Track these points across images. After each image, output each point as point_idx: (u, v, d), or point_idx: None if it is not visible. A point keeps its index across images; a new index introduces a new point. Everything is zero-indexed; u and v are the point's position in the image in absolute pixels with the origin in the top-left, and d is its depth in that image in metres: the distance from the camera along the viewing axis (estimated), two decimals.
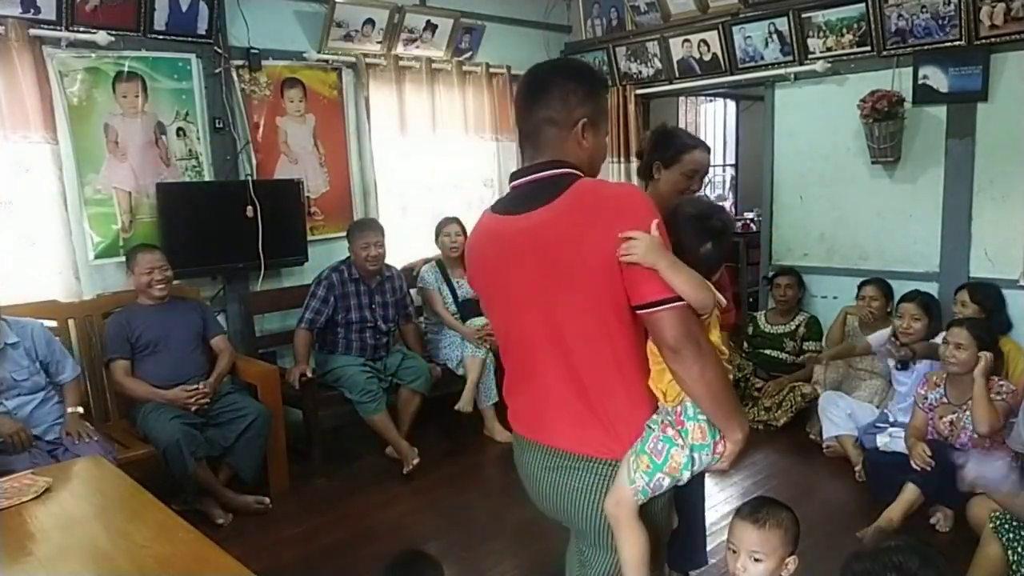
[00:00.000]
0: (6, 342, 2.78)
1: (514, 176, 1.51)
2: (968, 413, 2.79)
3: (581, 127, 1.46)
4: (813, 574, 2.18)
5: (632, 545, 1.42)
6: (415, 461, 3.51)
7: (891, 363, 3.46)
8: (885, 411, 3.45)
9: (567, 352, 1.42)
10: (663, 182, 2.13)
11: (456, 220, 4.16)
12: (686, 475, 1.42)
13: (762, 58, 4.25)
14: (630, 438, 1.42)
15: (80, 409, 2.95)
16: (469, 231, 4.36)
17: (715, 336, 1.42)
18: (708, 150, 2.17)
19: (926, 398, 3.01)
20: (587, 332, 1.39)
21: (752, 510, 1.68)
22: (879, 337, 3.47)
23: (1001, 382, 2.81)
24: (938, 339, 3.04)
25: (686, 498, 1.99)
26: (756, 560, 1.61)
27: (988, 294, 3.42)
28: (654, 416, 1.43)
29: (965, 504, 2.64)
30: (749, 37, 4.24)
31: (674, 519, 1.67)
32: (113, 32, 3.32)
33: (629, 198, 1.39)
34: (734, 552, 1.66)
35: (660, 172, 2.13)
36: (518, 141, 1.56)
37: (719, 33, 4.31)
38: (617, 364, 1.40)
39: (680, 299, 1.32)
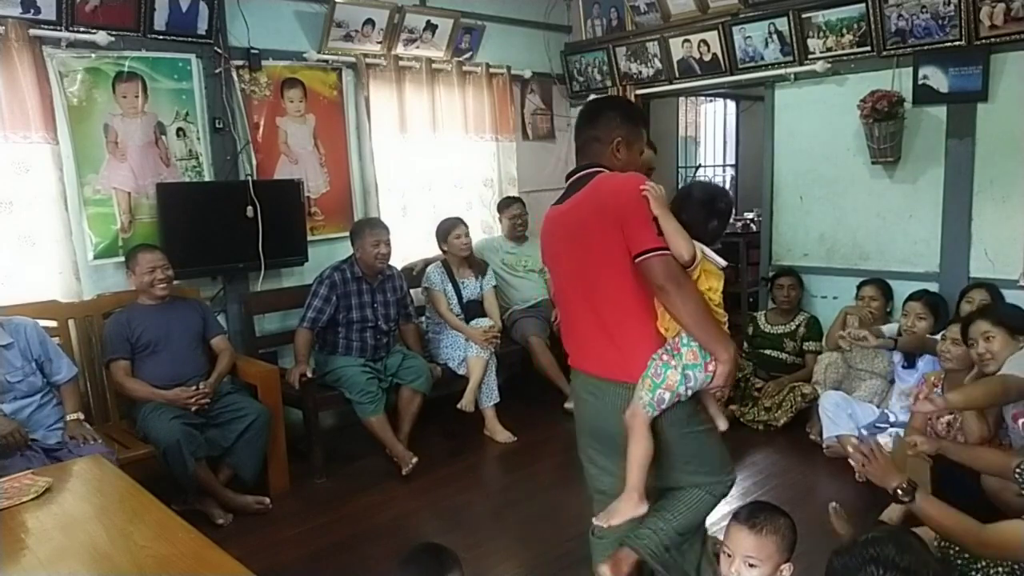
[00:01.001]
0: None
1: (568, 177, 2.01)
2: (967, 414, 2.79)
3: (616, 144, 1.96)
4: (814, 575, 2.18)
5: (639, 447, 1.80)
6: (414, 460, 3.51)
7: (897, 360, 3.46)
8: (885, 411, 3.45)
9: (595, 302, 1.88)
10: None
11: (461, 221, 4.16)
12: (682, 389, 1.80)
13: (762, 58, 4.25)
14: (643, 367, 1.82)
15: (80, 414, 2.93)
16: (471, 232, 4.39)
17: (704, 285, 1.81)
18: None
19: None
20: (606, 286, 1.85)
21: (749, 515, 1.68)
22: (891, 329, 3.49)
23: None
24: (938, 336, 3.04)
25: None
26: (751, 566, 1.62)
27: (997, 294, 3.43)
28: (659, 350, 1.83)
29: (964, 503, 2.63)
30: (749, 37, 4.24)
31: (719, 423, 1.98)
32: (113, 32, 3.32)
33: (627, 179, 1.85)
34: (729, 556, 1.66)
35: None
36: (577, 155, 2.06)
37: (719, 33, 4.31)
38: (630, 310, 1.84)
39: (665, 249, 1.75)
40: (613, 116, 1.98)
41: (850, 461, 2.05)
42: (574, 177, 1.98)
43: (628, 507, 1.80)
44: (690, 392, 1.82)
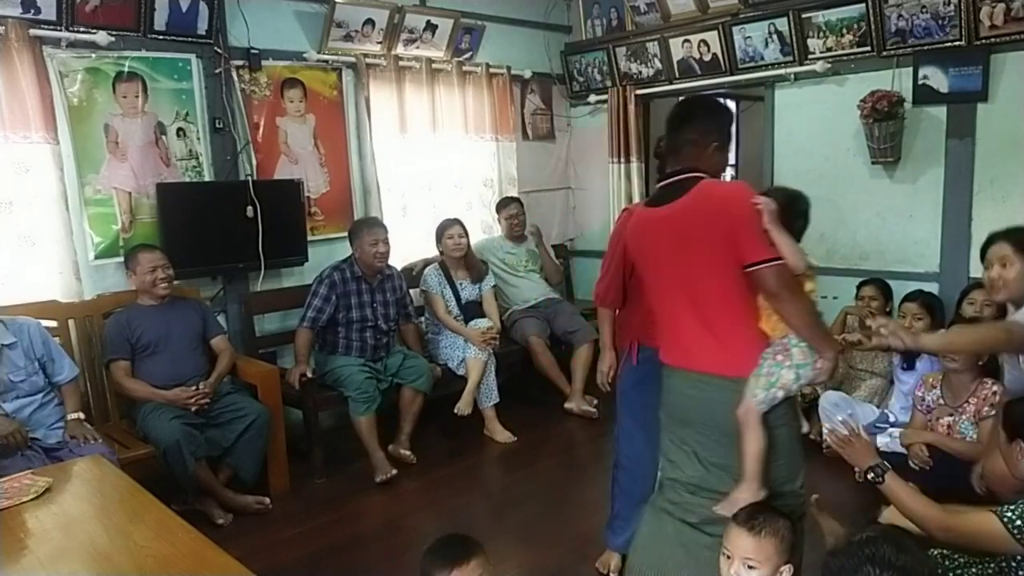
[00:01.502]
0: (2, 343, 2.77)
1: (661, 180, 2.08)
2: (965, 417, 2.80)
3: (713, 147, 2.01)
4: (814, 574, 2.18)
5: (755, 442, 1.89)
6: (392, 473, 3.48)
7: (896, 361, 3.46)
8: (885, 411, 3.45)
9: (701, 304, 1.95)
10: None
11: (458, 221, 4.17)
12: (795, 387, 1.91)
13: (762, 58, 4.25)
14: (749, 362, 1.91)
15: (81, 414, 2.94)
16: (471, 232, 4.40)
17: (809, 286, 1.92)
18: None
19: (923, 400, 3.01)
20: (713, 289, 1.93)
21: (748, 517, 1.68)
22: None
23: (994, 388, 2.78)
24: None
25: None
26: (750, 567, 1.63)
27: None
28: (768, 350, 1.91)
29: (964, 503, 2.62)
30: (749, 37, 4.24)
31: (802, 424, 2.20)
32: (113, 32, 3.32)
33: (737, 189, 1.98)
34: (728, 558, 1.66)
35: None
36: (663, 152, 2.16)
37: (719, 33, 4.32)
38: (737, 313, 1.92)
39: (778, 259, 1.83)
40: (708, 118, 2.03)
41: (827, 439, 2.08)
42: (671, 180, 2.01)
43: (748, 495, 1.89)
44: (800, 388, 1.95)
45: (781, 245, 1.85)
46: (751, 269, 1.84)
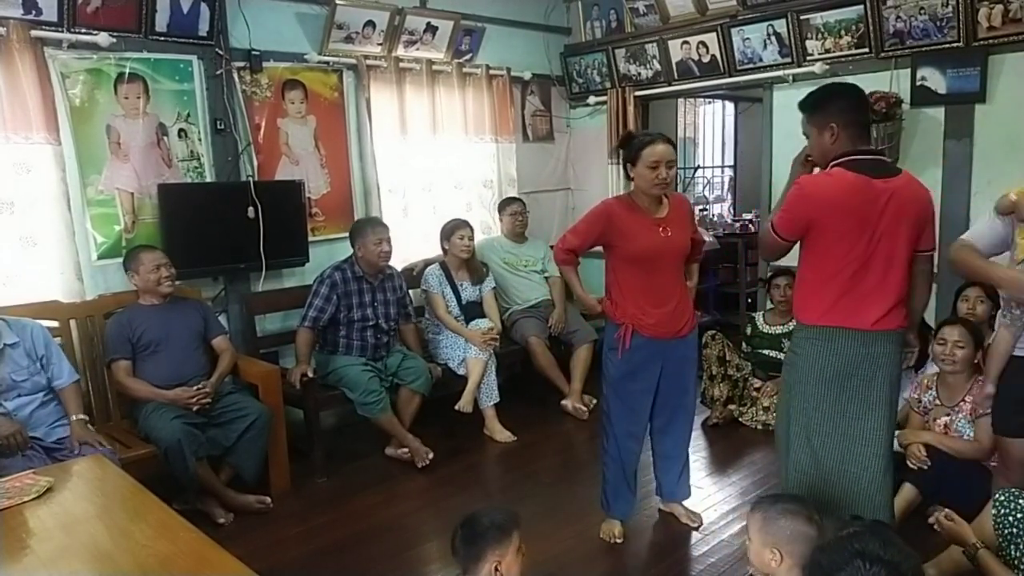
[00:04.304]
0: (5, 343, 2.78)
1: (866, 152, 2.27)
2: (961, 416, 2.81)
3: None
4: None
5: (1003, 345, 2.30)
6: (430, 455, 3.60)
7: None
8: None
9: (893, 268, 2.23)
10: (636, 178, 2.61)
11: (468, 223, 4.19)
12: None
13: (760, 60, 4.27)
14: (905, 317, 2.29)
15: (85, 416, 2.92)
16: (477, 234, 4.38)
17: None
18: (668, 141, 2.59)
19: (920, 401, 3.02)
20: (903, 257, 2.24)
21: (762, 498, 1.96)
22: None
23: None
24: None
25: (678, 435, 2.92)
26: (749, 539, 1.87)
27: (993, 292, 3.42)
28: None
29: (962, 504, 2.63)
30: (748, 39, 4.25)
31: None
32: (114, 34, 3.33)
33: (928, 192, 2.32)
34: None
35: (632, 171, 2.62)
36: (857, 129, 2.30)
37: (718, 35, 4.33)
38: (907, 278, 2.27)
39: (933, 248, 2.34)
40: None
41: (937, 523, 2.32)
42: (875, 157, 2.28)
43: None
44: None
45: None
46: (925, 253, 2.29)
